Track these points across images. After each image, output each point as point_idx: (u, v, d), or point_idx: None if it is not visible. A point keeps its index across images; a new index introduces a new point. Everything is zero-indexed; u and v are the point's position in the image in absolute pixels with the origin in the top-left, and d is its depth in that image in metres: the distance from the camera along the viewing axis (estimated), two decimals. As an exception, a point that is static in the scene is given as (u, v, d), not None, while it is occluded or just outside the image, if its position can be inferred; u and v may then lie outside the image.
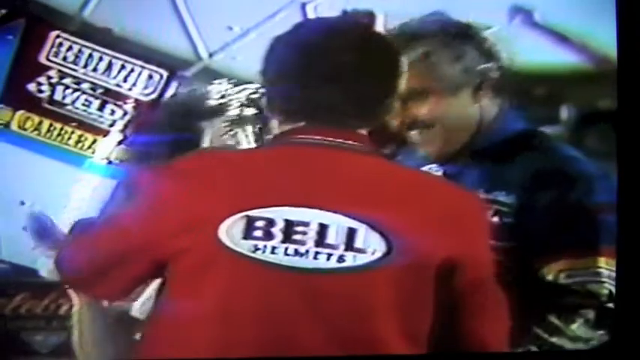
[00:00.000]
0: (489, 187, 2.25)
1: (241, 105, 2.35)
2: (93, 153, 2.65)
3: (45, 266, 2.54)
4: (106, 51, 2.64)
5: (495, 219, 2.23)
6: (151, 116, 2.63)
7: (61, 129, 2.65)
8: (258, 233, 1.71)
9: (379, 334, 1.75)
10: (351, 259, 1.71)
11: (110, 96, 2.65)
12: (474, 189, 2.19)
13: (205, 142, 2.34)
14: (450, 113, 2.28)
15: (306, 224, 1.71)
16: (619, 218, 2.28)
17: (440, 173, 2.31)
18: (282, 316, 1.73)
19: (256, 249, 1.71)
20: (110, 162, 2.62)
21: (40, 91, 2.65)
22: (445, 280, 1.79)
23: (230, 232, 1.72)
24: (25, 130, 2.65)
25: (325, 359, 1.76)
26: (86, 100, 2.65)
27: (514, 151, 2.28)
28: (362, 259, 1.72)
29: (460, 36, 2.28)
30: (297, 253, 1.71)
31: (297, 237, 1.71)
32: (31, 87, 2.65)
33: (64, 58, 2.64)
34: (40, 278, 2.58)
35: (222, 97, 2.38)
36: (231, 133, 2.34)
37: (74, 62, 2.64)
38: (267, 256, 1.72)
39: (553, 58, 2.62)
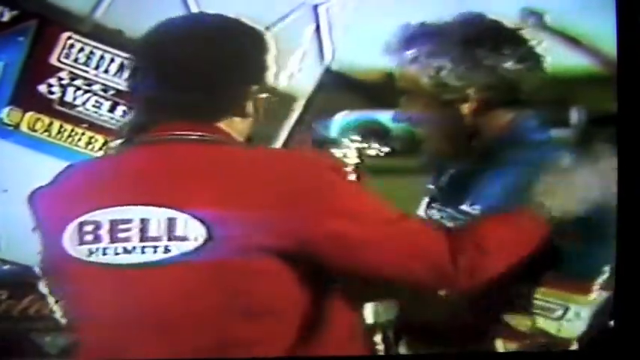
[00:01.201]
0: (473, 201, 2.13)
1: None
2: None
3: None
4: (118, 52, 2.67)
5: None
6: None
7: (72, 130, 2.68)
8: (88, 237, 1.75)
9: (214, 321, 1.75)
10: (177, 249, 1.72)
11: (121, 97, 2.67)
12: (460, 202, 2.13)
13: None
14: (437, 120, 2.20)
15: (128, 221, 1.73)
16: (619, 218, 2.22)
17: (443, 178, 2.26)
18: (127, 316, 1.76)
19: (91, 253, 1.75)
20: None
21: (51, 93, 2.68)
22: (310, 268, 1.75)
23: (69, 239, 1.77)
24: (35, 131, 2.67)
25: (319, 359, 1.77)
26: (97, 101, 2.68)
27: (507, 163, 2.15)
28: (186, 248, 1.72)
29: (474, 37, 2.15)
30: (125, 250, 1.74)
31: (122, 235, 1.74)
32: (42, 88, 2.67)
33: (76, 60, 2.67)
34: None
35: None
36: None
37: (85, 64, 2.68)
38: (101, 259, 1.75)
39: (563, 61, 2.54)
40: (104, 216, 1.74)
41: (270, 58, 1.86)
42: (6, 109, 2.67)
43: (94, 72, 2.67)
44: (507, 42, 2.16)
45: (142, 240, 1.72)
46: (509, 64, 2.13)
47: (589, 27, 2.58)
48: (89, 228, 1.75)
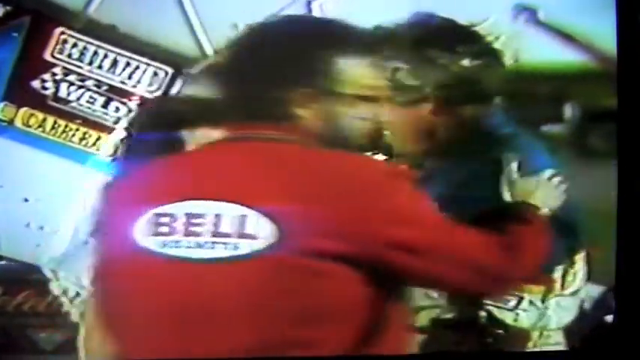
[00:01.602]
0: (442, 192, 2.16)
1: None
2: (97, 150, 2.66)
3: (48, 263, 2.68)
4: (111, 48, 2.65)
5: None
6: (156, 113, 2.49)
7: (66, 126, 2.66)
8: (163, 229, 1.76)
9: (275, 321, 1.74)
10: (246, 247, 1.73)
11: (115, 93, 2.66)
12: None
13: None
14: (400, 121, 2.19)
15: (202, 216, 1.74)
16: (619, 219, 2.29)
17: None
18: (189, 310, 1.76)
19: (164, 244, 1.75)
20: (115, 159, 2.62)
21: (45, 88, 2.65)
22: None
23: (142, 230, 1.77)
24: (29, 126, 2.65)
25: (322, 359, 1.76)
26: (91, 97, 2.65)
27: (475, 156, 2.23)
28: (255, 246, 1.73)
29: (430, 39, 2.19)
30: (197, 245, 1.74)
31: (195, 229, 1.75)
32: (36, 84, 2.65)
33: (69, 55, 2.64)
34: (44, 275, 2.69)
35: None
36: None
37: (79, 59, 2.65)
38: (173, 251, 1.75)
39: (557, 56, 2.61)
40: (180, 209, 1.75)
41: (347, 63, 1.87)
42: (0, 105, 2.66)
43: (88, 67, 2.65)
44: (461, 40, 2.18)
45: (213, 235, 1.73)
46: (464, 62, 2.16)
47: (587, 24, 2.57)
48: (165, 220, 1.76)
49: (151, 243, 1.76)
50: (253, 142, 1.80)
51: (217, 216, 1.74)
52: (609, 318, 2.38)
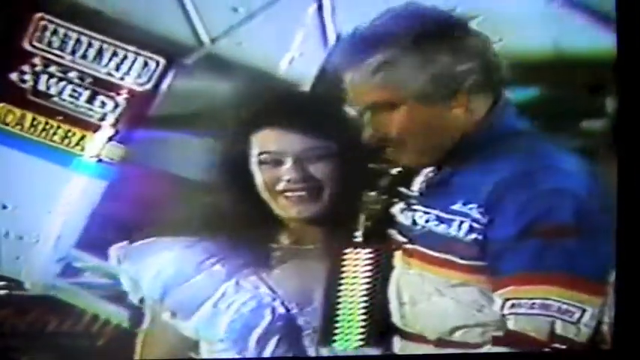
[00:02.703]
0: (466, 200, 2.22)
1: None
2: (81, 150, 2.61)
3: (29, 277, 2.62)
4: (96, 35, 2.59)
5: (470, 236, 2.21)
6: (146, 109, 2.61)
7: (46, 123, 2.61)
8: None
9: None
10: None
11: (100, 86, 2.60)
12: (450, 202, 2.24)
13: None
14: (424, 124, 2.25)
15: None
16: (619, 219, 2.29)
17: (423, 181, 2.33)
18: None
19: None
20: (100, 160, 2.60)
21: (23, 81, 2.60)
22: None
23: None
24: (6, 124, 2.60)
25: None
26: (74, 90, 2.60)
27: (495, 157, 2.24)
28: None
29: (429, 36, 2.23)
30: None
31: None
32: (13, 76, 2.60)
33: (49, 44, 2.59)
34: (25, 291, 2.64)
35: None
36: None
37: (60, 48, 2.59)
38: None
39: (598, 43, 2.54)
40: None
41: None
42: None
43: (70, 57, 2.58)
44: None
45: None
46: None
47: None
48: None
49: None
50: None
51: None
52: (606, 319, 2.30)
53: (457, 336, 2.26)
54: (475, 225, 2.22)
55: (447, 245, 2.26)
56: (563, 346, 2.17)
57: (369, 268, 2.39)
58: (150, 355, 2.57)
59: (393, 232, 2.38)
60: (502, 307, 2.19)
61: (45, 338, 2.62)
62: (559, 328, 2.16)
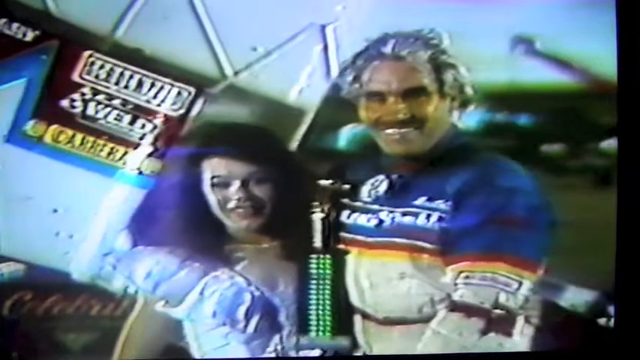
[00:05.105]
0: (433, 196, 2.40)
1: None
2: (124, 164, 2.68)
3: (77, 269, 2.71)
4: (137, 69, 2.67)
5: (437, 224, 2.38)
6: (178, 130, 2.67)
7: (94, 142, 2.67)
8: None
9: None
10: None
11: (140, 111, 2.68)
12: (414, 199, 2.38)
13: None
14: (436, 115, 2.42)
15: None
16: (619, 220, 2.42)
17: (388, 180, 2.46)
18: None
19: None
20: (140, 172, 2.68)
21: (73, 107, 2.67)
22: None
23: None
24: (58, 142, 2.67)
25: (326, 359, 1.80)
26: (118, 115, 2.67)
27: (459, 161, 2.41)
28: None
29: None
30: None
31: None
32: (65, 103, 2.67)
33: (97, 76, 2.66)
34: (72, 280, 2.73)
35: None
36: None
37: (106, 80, 2.67)
38: None
39: (556, 78, 2.63)
40: None
41: None
42: (30, 122, 2.67)
43: (115, 87, 2.67)
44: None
45: None
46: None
47: (590, 52, 2.62)
48: None
49: None
50: None
51: None
52: (603, 321, 2.45)
53: (413, 312, 2.44)
54: (443, 215, 2.38)
55: (413, 234, 2.41)
56: (502, 311, 2.33)
57: (330, 270, 2.51)
58: (137, 338, 2.65)
59: (349, 236, 2.52)
60: (455, 278, 2.36)
61: (89, 320, 2.70)
62: (502, 298, 2.35)
